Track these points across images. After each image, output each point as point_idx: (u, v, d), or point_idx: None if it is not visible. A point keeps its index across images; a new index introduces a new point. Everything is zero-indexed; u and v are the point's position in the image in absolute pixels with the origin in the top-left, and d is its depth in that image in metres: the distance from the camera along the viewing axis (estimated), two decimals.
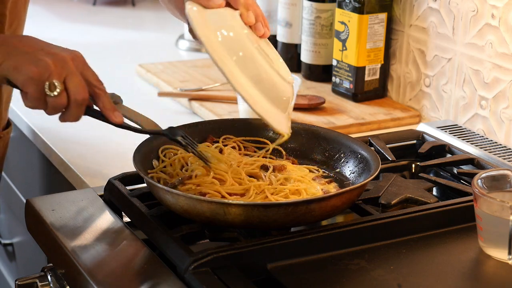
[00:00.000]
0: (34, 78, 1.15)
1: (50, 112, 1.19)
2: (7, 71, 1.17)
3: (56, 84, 1.16)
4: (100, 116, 1.22)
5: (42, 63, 1.16)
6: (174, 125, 1.35)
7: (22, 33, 1.41)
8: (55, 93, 1.16)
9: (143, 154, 1.30)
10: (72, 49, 1.21)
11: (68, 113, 1.19)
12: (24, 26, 1.45)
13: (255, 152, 1.39)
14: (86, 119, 1.38)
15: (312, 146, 1.40)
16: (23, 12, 1.44)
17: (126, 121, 1.25)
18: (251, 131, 1.42)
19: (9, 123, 1.56)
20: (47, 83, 1.16)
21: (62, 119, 1.21)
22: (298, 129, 1.42)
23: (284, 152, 1.41)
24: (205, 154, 1.29)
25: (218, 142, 1.39)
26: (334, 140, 1.39)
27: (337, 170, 1.36)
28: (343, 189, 1.23)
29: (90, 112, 1.22)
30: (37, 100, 1.17)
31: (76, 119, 1.21)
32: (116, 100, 1.28)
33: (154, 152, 1.33)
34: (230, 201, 1.19)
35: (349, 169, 1.35)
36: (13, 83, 1.19)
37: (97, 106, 1.21)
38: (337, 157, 1.37)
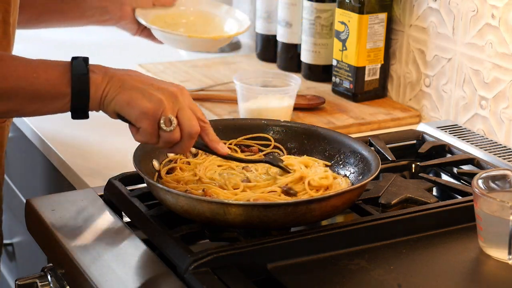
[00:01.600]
0: (149, 114, 1.18)
1: (162, 145, 1.21)
2: (120, 106, 1.19)
3: (171, 119, 1.18)
4: (206, 147, 1.26)
5: (155, 98, 1.18)
6: None
7: (16, 18, 1.41)
8: (171, 127, 1.18)
9: (143, 154, 1.30)
10: (176, 83, 1.24)
11: (179, 146, 1.22)
12: (17, 11, 1.45)
13: (260, 151, 1.40)
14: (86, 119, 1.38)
15: (312, 146, 1.40)
16: (16, 22, 1.44)
17: None
18: (252, 129, 1.43)
19: None
20: (163, 118, 1.18)
21: (171, 151, 1.25)
22: (298, 129, 1.42)
23: (285, 152, 1.41)
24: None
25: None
26: (334, 140, 1.39)
27: (337, 170, 1.36)
28: (344, 189, 1.23)
29: (196, 144, 1.25)
30: (150, 135, 1.19)
31: (186, 151, 1.24)
32: None
33: (154, 152, 1.33)
34: (230, 201, 1.19)
35: (349, 169, 1.35)
36: (124, 118, 1.20)
37: (203, 139, 1.25)
38: (337, 157, 1.37)
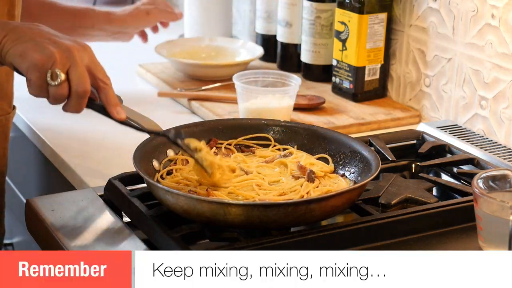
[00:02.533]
0: (38, 66, 1.16)
1: (51, 101, 1.19)
2: (13, 57, 1.18)
3: (58, 73, 1.16)
4: (103, 110, 1.22)
5: (47, 51, 1.16)
6: (174, 125, 1.35)
7: (20, 12, 1.42)
8: (56, 82, 1.16)
9: (143, 154, 1.30)
10: (83, 42, 1.22)
11: (69, 103, 1.19)
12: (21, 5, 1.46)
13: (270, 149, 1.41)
14: (86, 118, 1.38)
15: (312, 146, 1.40)
16: (19, 14, 1.45)
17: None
18: (252, 129, 1.43)
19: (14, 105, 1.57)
20: (49, 71, 1.16)
21: (64, 109, 1.21)
22: (298, 129, 1.42)
23: (281, 149, 1.41)
24: (203, 161, 1.27)
25: (222, 144, 1.40)
26: (334, 140, 1.39)
27: (337, 169, 1.36)
28: (344, 189, 1.23)
29: (93, 106, 1.21)
30: (39, 87, 1.17)
31: (78, 110, 1.21)
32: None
33: (154, 152, 1.33)
34: (230, 201, 1.19)
35: (349, 169, 1.35)
36: (19, 70, 1.19)
37: (100, 100, 1.21)
38: (337, 157, 1.37)
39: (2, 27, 1.20)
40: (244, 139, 1.42)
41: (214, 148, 1.39)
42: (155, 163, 1.33)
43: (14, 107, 1.55)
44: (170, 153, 1.36)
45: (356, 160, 1.34)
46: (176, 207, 1.20)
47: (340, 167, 1.36)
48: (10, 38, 1.19)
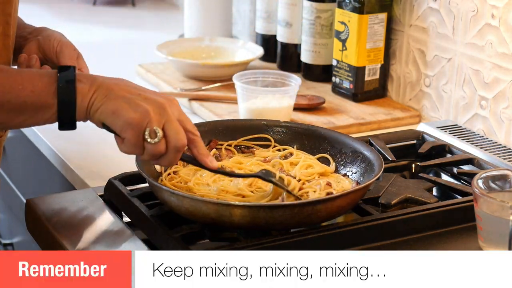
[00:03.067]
0: (134, 125, 1.14)
1: (146, 157, 1.17)
2: (105, 115, 1.15)
3: (156, 131, 1.14)
4: (194, 161, 1.22)
5: (141, 109, 1.14)
6: None
7: (15, 31, 1.40)
8: (156, 139, 1.14)
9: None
10: (168, 95, 1.21)
11: (165, 158, 1.17)
12: (16, 25, 1.44)
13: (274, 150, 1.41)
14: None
15: (312, 146, 1.40)
16: (17, 12, 1.44)
17: None
18: (252, 130, 1.43)
19: None
20: (147, 129, 1.14)
21: (157, 163, 1.21)
22: (298, 129, 1.42)
23: (281, 149, 1.41)
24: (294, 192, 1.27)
25: (222, 145, 1.39)
26: (335, 140, 1.39)
27: (339, 169, 1.36)
28: (349, 189, 1.23)
29: (184, 157, 1.21)
30: (135, 146, 1.15)
31: (172, 164, 1.21)
32: None
33: None
34: (236, 202, 1.19)
35: (350, 169, 1.35)
36: (109, 128, 1.17)
37: (191, 152, 1.21)
38: (338, 157, 1.37)
39: (90, 83, 1.16)
40: (244, 140, 1.42)
41: (214, 149, 1.39)
42: (157, 165, 1.33)
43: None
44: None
45: (358, 160, 1.34)
46: (181, 209, 1.20)
47: (342, 167, 1.36)
48: (100, 94, 1.15)
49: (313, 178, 1.32)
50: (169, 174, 1.32)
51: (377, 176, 1.24)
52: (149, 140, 1.14)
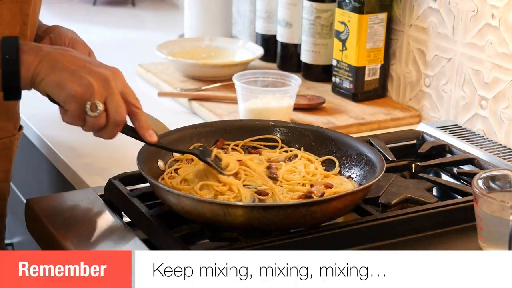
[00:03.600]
0: (77, 97, 1.16)
1: (87, 129, 1.20)
2: (50, 87, 1.17)
3: (97, 105, 1.17)
4: (134, 134, 1.23)
5: (85, 82, 1.16)
6: (174, 125, 1.35)
7: (34, 33, 1.42)
8: (96, 113, 1.17)
9: (148, 155, 1.30)
10: (112, 66, 1.23)
11: (105, 131, 1.20)
12: (36, 27, 1.45)
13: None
14: None
15: (319, 147, 1.40)
16: (38, 14, 1.45)
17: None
18: (259, 131, 1.42)
19: (21, 126, 1.55)
20: (88, 103, 1.17)
21: (97, 135, 1.22)
22: (305, 131, 1.41)
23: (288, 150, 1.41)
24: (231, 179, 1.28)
25: (229, 145, 1.39)
26: (342, 142, 1.38)
27: (343, 172, 1.36)
28: (345, 191, 1.23)
29: (124, 130, 1.23)
30: (77, 118, 1.18)
31: (112, 137, 1.22)
32: None
33: (160, 151, 1.33)
34: (230, 202, 1.19)
35: (354, 171, 1.34)
36: (53, 99, 1.19)
37: (133, 124, 1.23)
38: (344, 159, 1.37)
39: (35, 53, 1.18)
40: (251, 140, 1.42)
41: (221, 149, 1.39)
42: (160, 163, 1.33)
43: (20, 128, 1.54)
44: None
45: (362, 163, 1.33)
46: (177, 208, 1.20)
47: (347, 169, 1.35)
48: (44, 65, 1.18)
49: (315, 180, 1.31)
50: (171, 172, 1.32)
51: (376, 179, 1.23)
52: (89, 113, 1.17)
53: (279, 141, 1.41)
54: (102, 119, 1.18)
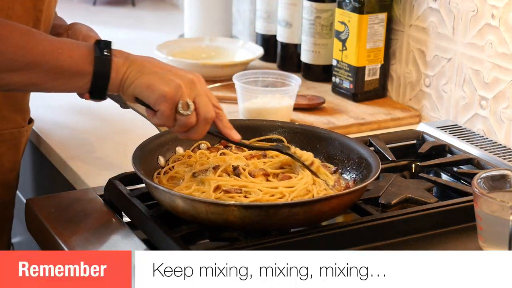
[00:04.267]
0: (168, 97, 1.21)
1: (177, 129, 1.24)
2: (140, 89, 1.22)
3: (189, 103, 1.21)
4: (219, 133, 1.28)
5: (174, 83, 1.21)
6: None
7: (49, 30, 1.44)
8: (189, 111, 1.22)
9: (144, 153, 1.30)
10: (194, 72, 1.27)
11: (194, 130, 1.24)
12: (51, 24, 1.47)
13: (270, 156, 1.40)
14: (86, 118, 1.39)
15: (325, 150, 1.39)
16: (53, 11, 1.47)
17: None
18: (265, 131, 1.42)
19: (31, 119, 1.57)
20: (180, 102, 1.21)
21: (185, 135, 1.26)
22: (310, 133, 1.41)
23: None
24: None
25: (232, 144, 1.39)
26: (346, 146, 1.37)
27: (343, 175, 1.35)
28: (329, 195, 1.22)
29: (210, 130, 1.27)
30: (167, 118, 1.22)
31: (200, 136, 1.26)
32: None
33: (162, 148, 1.34)
34: (210, 200, 1.19)
35: (352, 175, 1.34)
36: (142, 101, 1.22)
37: (216, 125, 1.27)
38: (346, 163, 1.36)
39: (125, 58, 1.23)
40: (257, 140, 1.42)
41: (225, 147, 1.39)
42: (161, 160, 1.33)
43: (31, 121, 1.55)
44: (180, 150, 1.37)
45: (362, 167, 1.33)
46: (165, 205, 1.21)
47: (348, 172, 1.35)
48: (134, 69, 1.22)
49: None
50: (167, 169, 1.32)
51: (363, 185, 1.22)
52: (182, 112, 1.21)
53: (285, 141, 1.40)
54: (193, 118, 1.22)
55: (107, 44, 1.23)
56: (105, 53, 1.22)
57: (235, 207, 1.15)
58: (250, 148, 1.35)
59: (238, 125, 1.42)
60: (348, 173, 1.35)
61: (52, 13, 1.46)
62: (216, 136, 1.29)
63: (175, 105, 1.21)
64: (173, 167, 1.33)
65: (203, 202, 1.17)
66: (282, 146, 1.34)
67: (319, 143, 1.40)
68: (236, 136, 1.29)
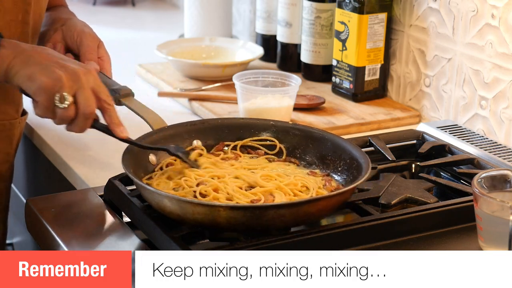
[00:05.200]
0: (46, 89, 1.21)
1: (57, 122, 1.25)
2: (22, 80, 1.23)
3: (66, 96, 1.22)
4: (106, 129, 1.27)
5: (55, 75, 1.22)
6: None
7: (42, 22, 1.45)
8: (64, 105, 1.22)
9: (132, 156, 1.29)
10: (87, 65, 1.28)
11: (75, 124, 1.25)
12: (43, 17, 1.48)
13: (265, 154, 1.40)
14: None
15: (318, 150, 1.39)
16: (44, 4, 1.48)
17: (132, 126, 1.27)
18: (258, 130, 1.42)
19: (25, 111, 1.58)
20: (57, 94, 1.21)
21: (68, 128, 1.27)
22: (304, 133, 1.41)
23: (284, 151, 1.40)
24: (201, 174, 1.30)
25: (229, 146, 1.39)
26: (338, 146, 1.36)
27: (334, 176, 1.35)
28: (317, 196, 1.22)
29: (97, 125, 1.27)
30: (46, 109, 1.23)
31: (82, 130, 1.27)
32: (127, 92, 1.35)
33: (144, 151, 1.33)
34: (197, 200, 1.19)
35: (343, 176, 1.33)
36: (26, 92, 1.24)
37: (104, 120, 1.27)
38: (338, 163, 1.36)
39: (13, 49, 1.24)
40: (251, 141, 1.41)
41: (220, 151, 1.39)
42: (152, 157, 1.33)
43: (24, 113, 1.56)
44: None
45: (353, 168, 1.32)
46: (153, 204, 1.21)
47: (339, 173, 1.35)
48: (19, 60, 1.23)
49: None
50: (161, 168, 1.33)
51: (352, 186, 1.21)
52: (58, 104, 1.22)
53: (277, 142, 1.40)
54: (71, 111, 1.23)
55: None
56: None
57: (222, 208, 1.15)
58: (140, 146, 1.31)
59: (232, 123, 1.43)
60: (339, 173, 1.35)
61: (44, 6, 1.47)
62: (103, 132, 1.28)
63: (53, 96, 1.21)
64: (167, 165, 1.33)
65: (190, 203, 1.16)
66: (175, 148, 1.32)
67: (312, 143, 1.40)
68: (122, 133, 1.27)
